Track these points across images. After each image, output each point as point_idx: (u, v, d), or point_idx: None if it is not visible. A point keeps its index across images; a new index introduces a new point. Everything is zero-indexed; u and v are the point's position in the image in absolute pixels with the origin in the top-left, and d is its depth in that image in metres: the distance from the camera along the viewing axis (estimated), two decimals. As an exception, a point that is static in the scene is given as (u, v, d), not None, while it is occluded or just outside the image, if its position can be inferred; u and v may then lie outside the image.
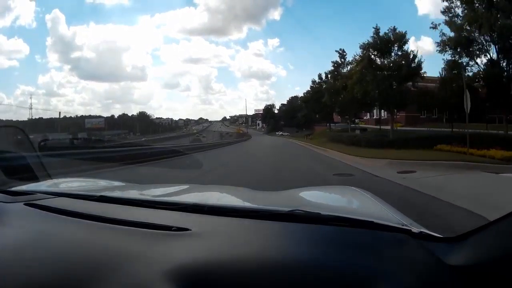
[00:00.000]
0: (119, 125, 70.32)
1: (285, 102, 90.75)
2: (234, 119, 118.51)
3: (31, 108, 58.90)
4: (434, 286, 0.64)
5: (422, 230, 0.82)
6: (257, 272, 0.65)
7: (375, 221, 0.84)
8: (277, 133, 66.28)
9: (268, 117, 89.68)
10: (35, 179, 1.63)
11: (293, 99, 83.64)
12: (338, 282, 0.64)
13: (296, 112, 70.30)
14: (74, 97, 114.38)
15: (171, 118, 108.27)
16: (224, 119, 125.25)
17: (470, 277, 0.63)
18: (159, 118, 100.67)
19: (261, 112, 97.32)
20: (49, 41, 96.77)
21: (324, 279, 0.64)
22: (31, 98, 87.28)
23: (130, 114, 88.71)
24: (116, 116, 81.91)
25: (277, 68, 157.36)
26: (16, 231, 0.85)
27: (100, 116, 69.74)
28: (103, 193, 1.14)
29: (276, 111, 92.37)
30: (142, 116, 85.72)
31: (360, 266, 0.67)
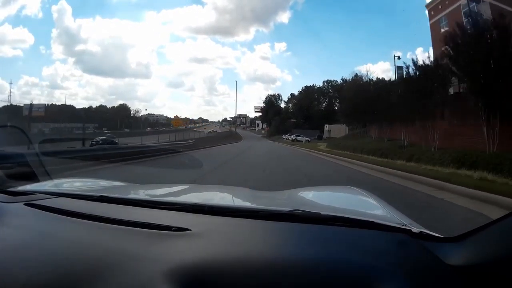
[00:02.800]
0: (72, 115, 59.18)
1: (295, 93, 63.52)
2: (234, 120, 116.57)
3: (10, 96, 54.10)
4: (434, 286, 0.64)
5: (422, 230, 0.82)
6: (257, 272, 0.65)
7: (375, 221, 0.84)
8: (285, 136, 42.19)
9: (272, 114, 62.30)
10: (35, 179, 1.63)
11: (309, 90, 59.02)
12: (338, 282, 0.64)
13: (315, 105, 52.21)
14: (78, 91, 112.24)
15: (162, 115, 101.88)
16: (225, 120, 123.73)
17: (470, 277, 0.63)
18: (151, 114, 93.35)
19: (262, 107, 69.80)
20: (54, 32, 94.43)
21: (324, 279, 0.64)
22: (10, 84, 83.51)
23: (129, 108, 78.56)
24: (93, 108, 69.63)
25: (282, 73, 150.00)
26: (16, 231, 0.84)
27: (40, 104, 54.44)
28: (103, 193, 1.13)
29: (283, 105, 65.67)
30: (122, 109, 74.00)
31: (360, 266, 0.67)
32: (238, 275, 0.65)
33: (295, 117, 55.55)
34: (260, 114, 75.46)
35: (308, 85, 62.50)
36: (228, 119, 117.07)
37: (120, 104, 79.66)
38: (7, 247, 0.74)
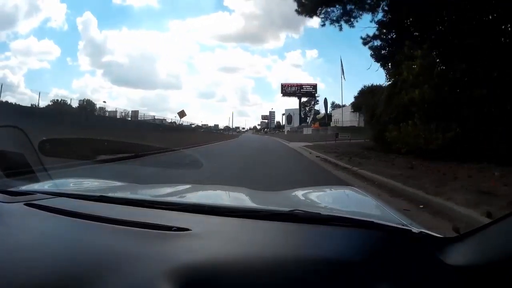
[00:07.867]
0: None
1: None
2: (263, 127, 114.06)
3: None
4: (434, 286, 0.64)
5: (422, 230, 0.82)
6: (257, 272, 0.65)
7: (375, 221, 0.84)
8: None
9: None
10: (35, 179, 1.63)
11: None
12: (338, 282, 0.64)
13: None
14: (110, 103, 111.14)
15: (154, 116, 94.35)
16: (255, 128, 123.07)
17: (470, 277, 0.63)
18: (152, 115, 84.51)
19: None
20: (80, 44, 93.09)
21: (324, 279, 0.64)
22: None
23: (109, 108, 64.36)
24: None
25: (315, 81, 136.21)
26: (16, 231, 0.84)
27: None
28: (103, 193, 1.14)
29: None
30: (86, 105, 57.06)
31: (360, 266, 0.67)
32: (239, 275, 0.64)
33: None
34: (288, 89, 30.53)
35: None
36: (257, 126, 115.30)
37: (81, 101, 67.07)
38: (7, 247, 0.74)
